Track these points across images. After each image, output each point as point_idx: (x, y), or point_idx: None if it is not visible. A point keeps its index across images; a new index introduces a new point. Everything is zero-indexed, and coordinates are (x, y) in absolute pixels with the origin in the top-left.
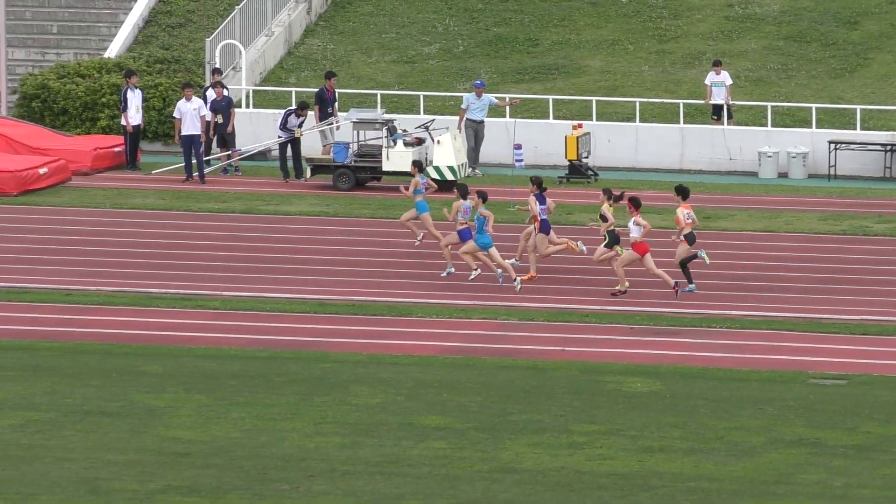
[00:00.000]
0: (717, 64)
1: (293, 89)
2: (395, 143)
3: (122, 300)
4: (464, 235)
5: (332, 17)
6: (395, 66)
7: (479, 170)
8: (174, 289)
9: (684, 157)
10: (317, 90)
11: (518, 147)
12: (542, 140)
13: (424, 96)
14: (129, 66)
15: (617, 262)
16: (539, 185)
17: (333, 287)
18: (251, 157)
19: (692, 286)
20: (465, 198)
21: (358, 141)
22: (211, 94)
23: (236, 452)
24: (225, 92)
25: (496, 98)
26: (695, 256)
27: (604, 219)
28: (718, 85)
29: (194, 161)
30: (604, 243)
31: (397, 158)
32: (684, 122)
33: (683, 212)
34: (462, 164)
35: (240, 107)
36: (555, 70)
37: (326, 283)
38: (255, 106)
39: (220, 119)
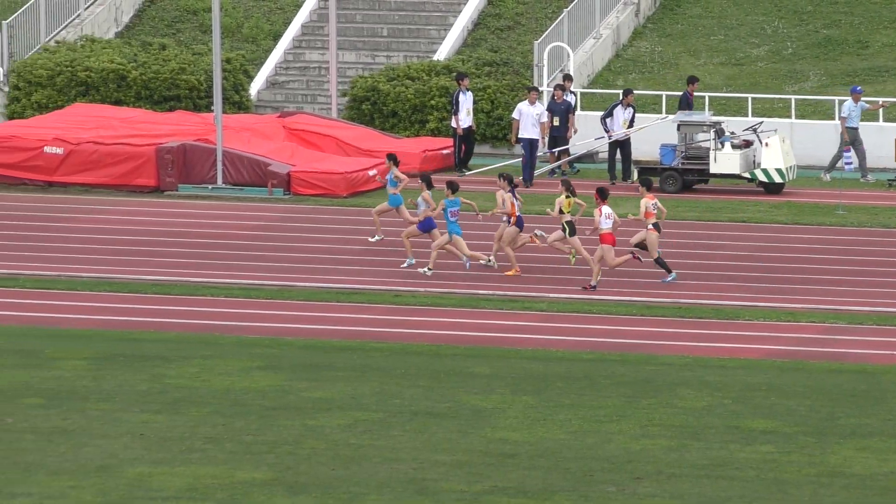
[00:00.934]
0: None
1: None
2: (723, 146)
3: (450, 301)
4: (425, 225)
5: (660, 19)
6: (724, 68)
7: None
8: (501, 290)
9: None
10: (680, 94)
11: (847, 150)
12: (872, 143)
13: (752, 98)
14: (458, 69)
15: (592, 257)
16: (510, 182)
17: (659, 290)
18: (578, 160)
19: (673, 275)
20: (430, 188)
21: (686, 143)
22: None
23: (562, 454)
24: (566, 96)
25: (867, 102)
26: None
27: (560, 211)
28: None
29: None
30: (565, 233)
31: (725, 161)
32: None
33: (648, 202)
34: (791, 167)
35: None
36: (885, 72)
37: (651, 286)
38: (582, 108)
39: (556, 122)
